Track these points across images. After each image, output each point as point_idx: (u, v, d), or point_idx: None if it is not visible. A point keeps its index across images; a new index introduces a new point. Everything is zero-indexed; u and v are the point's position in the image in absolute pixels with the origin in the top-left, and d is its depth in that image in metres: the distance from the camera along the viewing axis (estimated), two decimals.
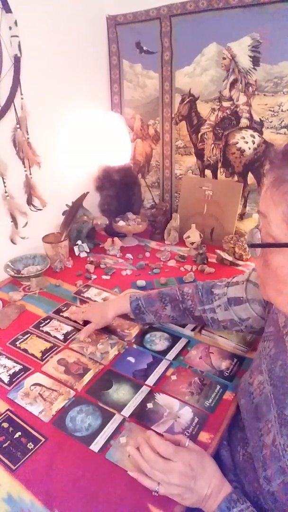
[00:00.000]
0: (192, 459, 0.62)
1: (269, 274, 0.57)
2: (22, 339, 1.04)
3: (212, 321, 0.93)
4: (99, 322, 1.02)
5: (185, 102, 1.49)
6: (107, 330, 1.06)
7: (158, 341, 1.02)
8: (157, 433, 0.75)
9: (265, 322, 0.79)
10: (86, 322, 1.06)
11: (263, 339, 0.74)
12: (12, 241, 1.39)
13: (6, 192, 1.31)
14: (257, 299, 0.83)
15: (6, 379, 0.90)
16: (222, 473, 0.64)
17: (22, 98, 1.27)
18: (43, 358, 0.97)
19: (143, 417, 0.79)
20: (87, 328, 1.01)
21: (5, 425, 0.78)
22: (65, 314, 1.14)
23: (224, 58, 1.32)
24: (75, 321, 1.11)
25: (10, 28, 1.17)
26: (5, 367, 0.94)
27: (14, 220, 1.36)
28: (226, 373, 0.90)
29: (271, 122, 1.31)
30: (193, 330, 1.04)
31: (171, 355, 0.97)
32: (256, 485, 0.63)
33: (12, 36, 1.18)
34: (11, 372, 0.92)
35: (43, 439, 0.76)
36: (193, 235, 1.51)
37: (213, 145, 1.49)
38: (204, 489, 0.61)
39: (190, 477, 0.60)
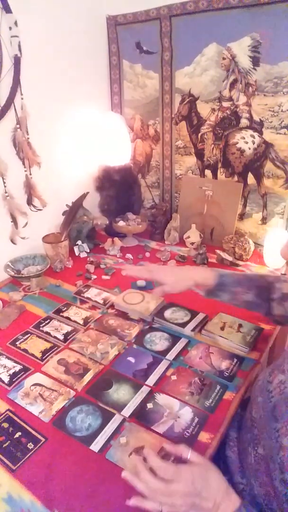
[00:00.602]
0: (195, 476, 0.59)
1: None
2: (22, 339, 1.04)
3: (271, 313, 0.92)
4: (177, 285, 0.93)
5: (185, 102, 1.49)
6: (107, 330, 1.06)
7: (158, 341, 1.02)
8: (156, 433, 0.75)
9: None
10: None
11: None
12: (12, 241, 1.39)
13: (6, 192, 1.31)
14: None
15: (6, 379, 0.90)
16: (230, 474, 0.63)
17: (22, 98, 1.27)
18: (43, 358, 0.97)
19: (143, 417, 0.79)
20: (161, 290, 0.94)
21: (5, 425, 0.78)
22: (65, 314, 1.14)
23: (224, 58, 1.32)
24: (75, 321, 1.11)
25: (10, 28, 1.17)
26: (5, 367, 0.94)
27: (14, 220, 1.36)
28: (226, 373, 0.90)
29: (271, 122, 1.31)
30: (193, 330, 1.04)
31: (171, 355, 0.97)
32: (269, 488, 0.62)
33: (12, 36, 1.18)
34: (11, 372, 0.92)
35: (43, 439, 0.76)
36: (193, 235, 1.51)
37: (213, 145, 1.49)
38: (209, 504, 0.59)
39: (194, 496, 0.58)
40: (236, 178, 1.48)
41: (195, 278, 0.93)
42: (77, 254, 1.52)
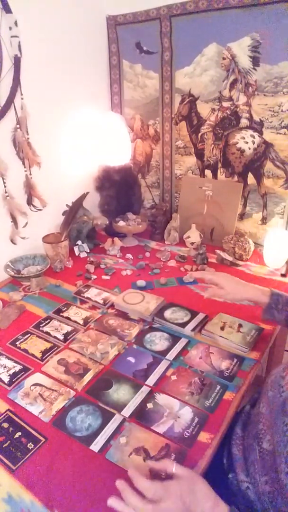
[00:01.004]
0: (183, 490, 0.59)
1: None
2: (22, 339, 1.04)
3: None
4: (231, 293, 0.97)
5: (185, 102, 1.49)
6: (107, 330, 1.06)
7: (158, 341, 1.02)
8: (156, 433, 0.75)
9: None
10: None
11: None
12: (12, 241, 1.39)
13: (6, 192, 1.31)
14: None
15: (6, 379, 0.90)
16: (234, 473, 0.63)
17: (22, 98, 1.27)
18: (43, 358, 0.97)
19: (143, 417, 0.79)
20: (217, 292, 0.98)
21: (5, 425, 0.79)
22: (65, 314, 1.14)
23: (224, 58, 1.32)
24: (75, 321, 1.11)
25: (10, 28, 1.17)
26: (5, 367, 0.94)
27: (14, 220, 1.36)
28: (226, 373, 0.90)
29: (271, 122, 1.31)
30: (193, 330, 1.04)
31: (171, 355, 0.97)
32: (275, 483, 0.62)
33: (12, 36, 1.18)
34: (11, 372, 0.92)
35: (43, 439, 0.76)
36: (193, 235, 1.51)
37: (213, 145, 1.49)
38: None
39: (183, 510, 0.58)
40: (236, 178, 1.48)
41: (251, 293, 0.96)
42: (77, 254, 1.52)
